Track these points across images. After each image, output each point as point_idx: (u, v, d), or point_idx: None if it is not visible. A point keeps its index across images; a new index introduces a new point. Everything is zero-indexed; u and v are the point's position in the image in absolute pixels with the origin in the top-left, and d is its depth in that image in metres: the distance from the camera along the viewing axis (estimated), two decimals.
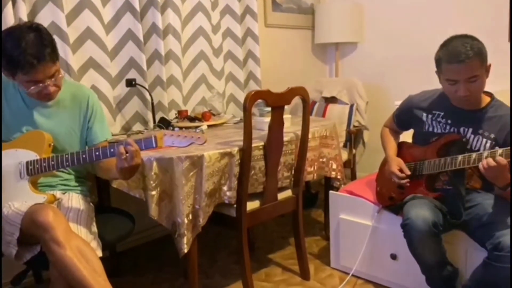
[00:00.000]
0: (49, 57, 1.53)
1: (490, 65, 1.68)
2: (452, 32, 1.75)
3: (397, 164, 1.91)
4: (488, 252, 1.63)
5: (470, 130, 1.77)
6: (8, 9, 1.90)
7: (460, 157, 1.69)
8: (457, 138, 1.78)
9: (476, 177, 1.80)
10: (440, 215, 1.72)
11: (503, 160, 1.52)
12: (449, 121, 1.81)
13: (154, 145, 1.51)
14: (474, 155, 1.65)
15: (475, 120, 1.76)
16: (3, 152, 1.63)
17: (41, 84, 1.56)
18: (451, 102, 1.81)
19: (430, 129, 1.87)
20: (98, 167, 1.78)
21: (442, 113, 1.83)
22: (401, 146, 2.03)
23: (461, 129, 1.79)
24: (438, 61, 1.71)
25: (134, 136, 2.25)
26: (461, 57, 1.60)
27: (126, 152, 1.49)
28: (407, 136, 2.08)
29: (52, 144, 1.66)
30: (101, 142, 1.79)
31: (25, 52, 1.48)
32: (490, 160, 1.54)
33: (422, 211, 1.69)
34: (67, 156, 1.58)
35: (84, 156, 1.56)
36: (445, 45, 1.69)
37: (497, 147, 1.68)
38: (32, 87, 1.56)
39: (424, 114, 1.89)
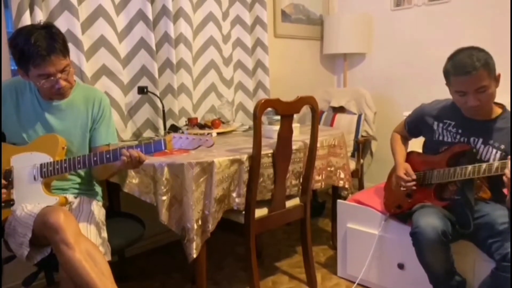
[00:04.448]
0: (59, 50, 1.57)
1: (499, 75, 1.70)
2: (460, 43, 1.77)
3: (403, 168, 1.92)
4: (496, 262, 1.63)
5: (481, 140, 1.78)
6: (26, 16, 1.96)
7: (470, 167, 1.70)
8: (467, 149, 1.79)
9: (485, 188, 1.80)
10: (449, 224, 1.73)
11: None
12: (459, 131, 1.82)
13: (163, 148, 1.53)
14: (484, 165, 1.66)
15: (485, 131, 1.77)
16: (19, 155, 1.67)
17: (52, 78, 1.59)
18: (462, 112, 1.82)
19: (441, 138, 1.88)
20: (94, 169, 1.79)
21: (453, 123, 1.84)
22: (410, 155, 2.04)
23: (471, 139, 1.80)
24: (446, 74, 1.73)
25: (144, 141, 2.27)
26: (468, 68, 1.62)
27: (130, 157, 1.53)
28: (417, 145, 2.09)
29: (65, 147, 1.69)
30: (102, 145, 1.79)
31: (35, 44, 1.52)
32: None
33: (431, 220, 1.69)
34: (79, 158, 1.60)
35: (95, 158, 1.58)
36: (452, 58, 1.71)
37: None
38: (43, 81, 1.59)
39: (435, 123, 1.90)
